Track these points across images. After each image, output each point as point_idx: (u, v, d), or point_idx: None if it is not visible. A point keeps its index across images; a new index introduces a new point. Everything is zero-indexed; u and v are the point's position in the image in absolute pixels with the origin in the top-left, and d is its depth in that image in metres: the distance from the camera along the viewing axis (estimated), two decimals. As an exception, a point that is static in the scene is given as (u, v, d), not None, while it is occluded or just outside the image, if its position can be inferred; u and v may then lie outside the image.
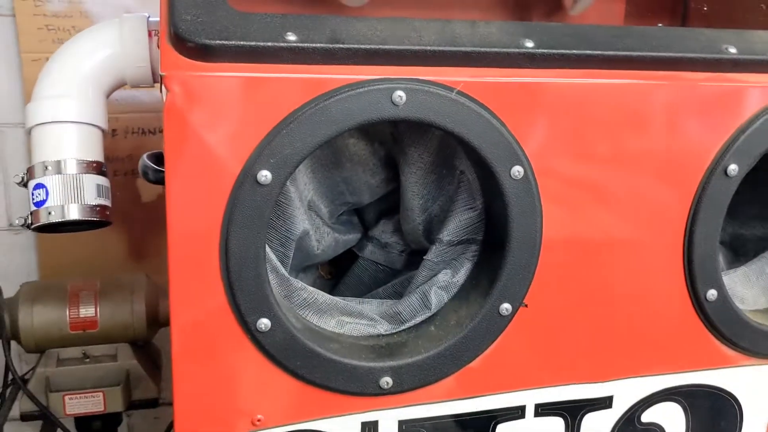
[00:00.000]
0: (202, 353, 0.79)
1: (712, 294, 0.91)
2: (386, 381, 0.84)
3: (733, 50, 0.86)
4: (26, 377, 1.39)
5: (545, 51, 0.80)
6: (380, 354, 0.85)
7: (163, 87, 0.72)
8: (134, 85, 1.00)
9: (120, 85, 1.00)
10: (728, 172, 0.88)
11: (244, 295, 0.77)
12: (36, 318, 1.33)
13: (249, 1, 1.22)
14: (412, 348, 0.86)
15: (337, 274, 1.13)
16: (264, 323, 0.78)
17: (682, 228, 0.89)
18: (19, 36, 1.53)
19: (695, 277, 0.90)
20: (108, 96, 1.00)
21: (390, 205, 1.05)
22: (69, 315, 1.35)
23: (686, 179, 0.87)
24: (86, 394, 1.38)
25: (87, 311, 1.36)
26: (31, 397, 1.31)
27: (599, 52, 0.82)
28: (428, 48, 0.77)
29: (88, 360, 1.41)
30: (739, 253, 1.14)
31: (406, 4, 1.29)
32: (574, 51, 0.81)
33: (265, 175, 0.74)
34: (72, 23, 1.56)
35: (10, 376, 1.32)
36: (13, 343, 1.32)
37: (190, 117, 0.72)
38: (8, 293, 1.37)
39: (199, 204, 0.74)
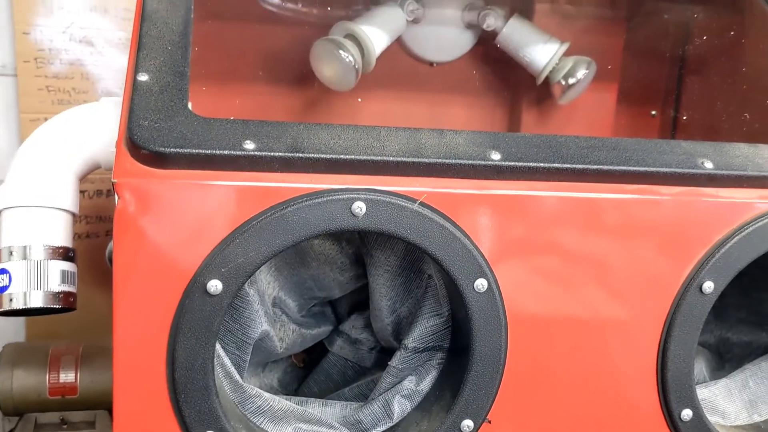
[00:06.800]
0: (146, 463, 0.76)
1: (686, 414, 0.88)
2: (338, 499, 0.80)
3: (709, 165, 0.83)
4: (4, 438, 1.38)
5: (512, 164, 0.78)
6: (334, 468, 0.82)
7: (114, 192, 0.71)
8: (108, 168, 0.98)
9: (94, 168, 0.99)
10: (703, 289, 0.84)
11: (190, 407, 0.74)
12: (15, 382, 1.32)
13: (235, 87, 1.22)
14: (368, 463, 0.83)
15: (310, 361, 1.11)
16: (209, 436, 0.75)
17: (655, 346, 0.85)
18: (20, 96, 1.55)
19: (669, 397, 0.87)
20: (81, 179, 0.99)
21: (363, 297, 1.02)
22: (49, 380, 1.34)
23: (659, 296, 0.84)
24: (60, 463, 1.36)
25: (67, 377, 1.35)
26: (4, 466, 1.30)
27: (568, 165, 0.80)
28: (390, 159, 0.75)
29: (65, 426, 1.40)
30: (725, 358, 1.10)
31: (394, 89, 1.28)
32: (542, 164, 0.79)
33: (215, 285, 0.72)
34: (72, 84, 1.57)
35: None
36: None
37: (140, 224, 0.71)
38: (-6, 352, 1.36)
39: (146, 312, 0.72)
